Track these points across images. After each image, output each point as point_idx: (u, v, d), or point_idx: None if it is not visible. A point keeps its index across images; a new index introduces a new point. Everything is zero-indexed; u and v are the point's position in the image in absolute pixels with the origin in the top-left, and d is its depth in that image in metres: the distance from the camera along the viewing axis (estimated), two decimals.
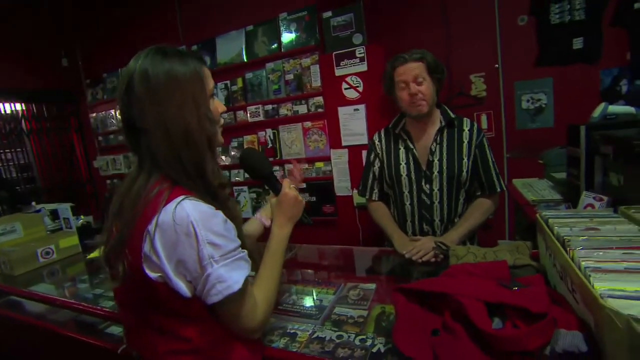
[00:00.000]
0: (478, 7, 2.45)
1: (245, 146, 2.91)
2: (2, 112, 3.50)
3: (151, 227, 0.59)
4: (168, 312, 0.64)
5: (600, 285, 0.57)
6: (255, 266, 0.75)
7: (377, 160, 1.45)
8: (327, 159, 2.58)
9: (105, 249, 0.68)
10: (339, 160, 2.49)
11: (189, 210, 0.59)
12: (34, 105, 3.65)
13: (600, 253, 0.66)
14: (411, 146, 1.36)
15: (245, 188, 2.98)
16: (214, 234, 0.60)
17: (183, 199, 0.61)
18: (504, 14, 2.40)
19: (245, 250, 0.68)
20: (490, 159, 1.34)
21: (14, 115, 3.58)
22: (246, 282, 0.65)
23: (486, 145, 1.34)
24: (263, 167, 0.90)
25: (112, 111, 3.58)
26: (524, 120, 2.50)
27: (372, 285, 1.21)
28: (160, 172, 0.64)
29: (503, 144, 2.54)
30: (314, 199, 2.69)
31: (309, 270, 1.53)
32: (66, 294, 1.42)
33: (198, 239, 0.59)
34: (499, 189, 1.33)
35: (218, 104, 0.74)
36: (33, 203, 2.18)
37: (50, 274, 1.67)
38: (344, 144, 2.44)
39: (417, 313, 0.82)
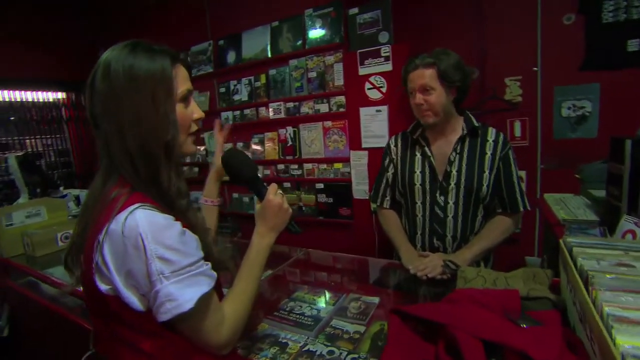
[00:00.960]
0: (518, 4, 2.26)
1: (265, 143, 2.90)
2: (45, 100, 3.73)
3: (101, 237, 0.56)
4: (125, 323, 0.60)
5: (623, 341, 0.47)
6: (231, 276, 0.71)
7: (391, 166, 1.36)
8: (346, 160, 2.51)
9: (66, 252, 0.67)
10: (358, 163, 2.41)
11: (139, 221, 0.55)
12: (73, 95, 3.86)
13: (630, 298, 0.56)
14: (429, 153, 1.27)
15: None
16: (165, 248, 0.56)
17: (136, 208, 0.56)
18: (548, 12, 2.20)
19: (208, 264, 0.63)
20: (514, 174, 1.22)
21: (55, 104, 3.81)
22: (204, 299, 0.60)
23: (512, 159, 1.22)
24: (247, 170, 0.81)
25: None
26: (563, 129, 2.29)
27: (375, 299, 1.15)
28: (116, 175, 0.61)
29: (537, 154, 2.34)
30: (331, 200, 2.63)
31: (312, 277, 1.48)
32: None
33: (147, 253, 0.54)
34: (522, 208, 1.22)
35: (194, 109, 0.69)
36: (61, 188, 2.29)
37: None
38: (364, 145, 2.36)
39: (409, 339, 0.75)
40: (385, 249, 2.13)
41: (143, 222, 0.55)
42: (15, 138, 3.48)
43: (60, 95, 3.82)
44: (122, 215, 0.56)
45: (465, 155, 1.23)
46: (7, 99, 3.38)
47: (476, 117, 1.36)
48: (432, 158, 1.27)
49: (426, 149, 1.28)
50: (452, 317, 0.68)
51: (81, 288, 0.66)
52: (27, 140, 3.58)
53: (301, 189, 2.80)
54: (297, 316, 1.10)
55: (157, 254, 0.55)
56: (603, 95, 2.14)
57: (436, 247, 1.28)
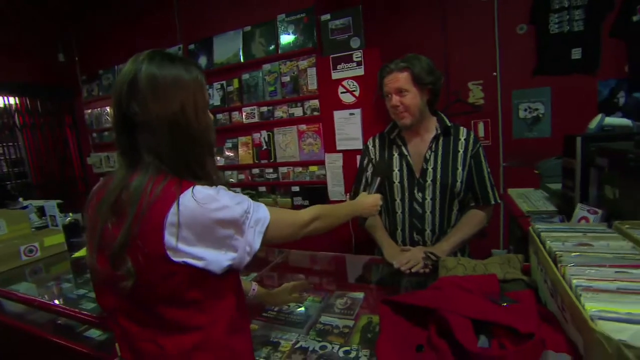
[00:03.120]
0: (477, 14, 2.44)
1: (239, 147, 2.89)
2: None
3: (172, 215, 0.60)
4: (181, 302, 0.65)
5: (591, 306, 0.54)
6: None
7: (370, 166, 1.42)
8: (321, 163, 2.55)
9: (99, 252, 0.66)
10: (333, 165, 2.46)
11: (204, 190, 0.64)
12: (27, 100, 3.61)
13: (593, 271, 0.64)
14: (405, 153, 1.34)
15: (238, 189, 2.95)
16: (234, 196, 0.67)
17: (194, 186, 0.64)
18: (504, 22, 2.39)
19: None
20: (485, 170, 1.31)
21: (7, 109, 3.53)
22: (272, 210, 0.74)
23: (482, 156, 1.31)
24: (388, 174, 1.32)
25: (108, 108, 3.54)
26: (521, 129, 2.49)
27: (360, 295, 1.19)
28: (160, 168, 0.65)
29: (500, 152, 2.52)
30: (307, 202, 2.66)
31: (297, 277, 1.50)
32: (47, 294, 1.38)
33: (227, 204, 0.64)
34: (493, 202, 1.31)
35: (209, 114, 0.78)
36: (20, 199, 2.13)
37: (33, 273, 1.63)
38: (338, 148, 2.41)
39: (402, 327, 0.79)
40: (363, 246, 2.19)
41: (208, 189, 0.64)
42: None
43: (13, 100, 3.55)
44: (187, 192, 0.62)
45: (440, 154, 1.30)
46: None
47: None
48: (409, 157, 1.33)
49: (403, 148, 1.34)
50: (440, 301, 0.73)
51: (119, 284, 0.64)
52: None
53: (277, 192, 2.81)
54: (287, 315, 1.12)
55: (233, 201, 0.65)
56: (554, 98, 2.35)
57: (416, 241, 1.34)
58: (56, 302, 1.30)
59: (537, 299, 0.78)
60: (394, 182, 1.34)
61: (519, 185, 2.10)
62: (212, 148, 0.75)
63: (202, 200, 0.62)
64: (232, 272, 0.69)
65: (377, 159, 1.39)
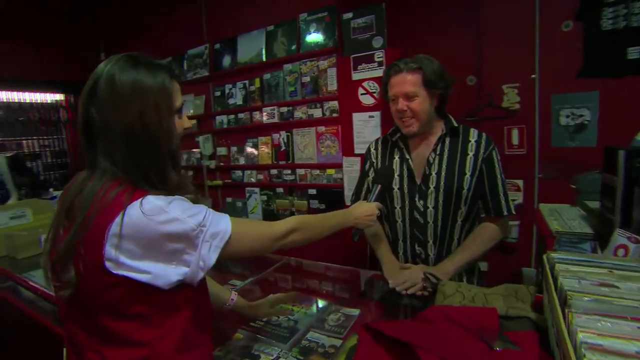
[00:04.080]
0: (516, 10, 2.22)
1: (259, 147, 2.88)
2: (43, 102, 3.74)
3: (115, 226, 0.57)
4: (124, 315, 0.61)
5: None
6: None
7: (371, 170, 1.32)
8: (338, 166, 2.47)
9: (50, 255, 0.65)
10: (350, 169, 2.36)
11: (155, 200, 0.60)
12: (72, 97, 3.87)
13: (608, 324, 0.51)
14: (407, 156, 1.22)
15: (257, 190, 2.95)
16: (187, 209, 0.63)
17: (146, 196, 0.61)
18: (546, 19, 2.15)
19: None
20: (499, 177, 1.16)
21: (53, 105, 3.82)
22: (236, 221, 0.69)
23: (496, 160, 1.16)
24: (390, 181, 1.20)
25: None
26: (561, 137, 2.23)
27: (356, 312, 1.10)
28: (117, 175, 0.63)
29: (535, 162, 2.28)
30: (323, 206, 2.59)
31: (294, 286, 1.43)
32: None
33: (178, 217, 0.60)
34: (506, 212, 1.16)
35: (185, 120, 0.74)
36: (50, 190, 2.27)
37: None
38: (356, 151, 2.32)
39: (378, 358, 0.70)
40: (373, 257, 2.08)
41: (160, 199, 0.60)
42: (12, 139, 3.48)
43: (59, 96, 3.83)
44: (136, 202, 0.59)
45: (445, 156, 1.17)
46: (4, 100, 3.38)
47: (473, 125, 1.30)
48: (410, 160, 1.22)
49: (404, 151, 1.23)
50: (421, 337, 0.63)
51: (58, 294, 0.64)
52: (24, 141, 3.58)
53: (294, 194, 2.77)
54: (273, 327, 1.06)
55: (185, 214, 0.61)
56: (602, 104, 2.08)
57: (418, 253, 1.22)
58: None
59: (542, 343, 0.65)
60: (393, 188, 1.23)
61: (556, 201, 1.88)
62: (176, 156, 0.70)
63: (149, 211, 0.58)
64: (187, 286, 0.65)
65: (379, 164, 1.29)
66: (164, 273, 0.60)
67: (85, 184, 0.64)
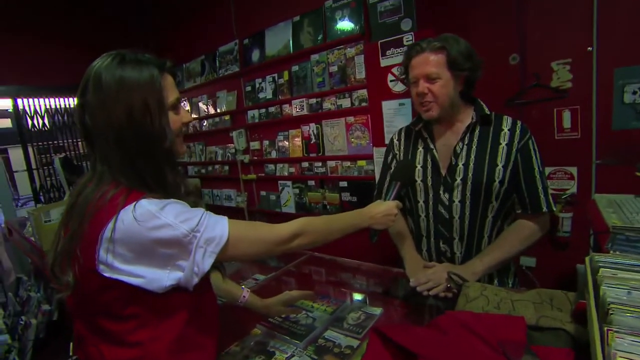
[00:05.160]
0: None
1: (290, 140, 2.88)
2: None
3: (107, 229, 0.57)
4: (120, 317, 0.62)
5: None
6: None
7: (394, 162, 1.24)
8: (369, 157, 2.39)
9: (52, 257, 0.67)
10: (382, 160, 2.26)
11: (148, 205, 0.59)
12: None
13: None
14: (431, 146, 1.13)
15: (289, 183, 2.95)
16: (181, 212, 0.61)
17: (141, 199, 0.60)
18: None
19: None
20: (537, 168, 1.03)
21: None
22: (233, 223, 0.66)
23: (533, 150, 1.04)
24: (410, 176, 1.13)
25: None
26: (625, 117, 1.94)
27: (378, 310, 1.05)
28: (113, 177, 0.63)
29: (592, 147, 2.02)
30: (354, 199, 2.53)
31: (316, 282, 1.41)
32: None
33: (170, 222, 0.59)
34: (545, 209, 1.03)
35: (183, 114, 0.72)
36: None
37: None
38: (387, 142, 2.21)
39: None
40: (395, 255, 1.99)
41: (152, 203, 0.59)
42: (60, 142, 3.71)
43: None
44: (129, 206, 0.58)
45: (474, 147, 1.06)
46: (63, 106, 3.70)
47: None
48: (434, 151, 1.12)
49: (428, 140, 1.14)
50: (428, 347, 0.57)
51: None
52: (66, 143, 3.78)
53: (325, 187, 2.73)
54: (291, 324, 1.05)
55: (178, 219, 0.59)
56: None
57: (443, 251, 1.14)
58: None
59: None
60: (416, 181, 1.14)
61: (616, 191, 1.65)
62: (171, 156, 0.69)
63: (140, 217, 0.57)
64: (184, 289, 0.64)
65: (402, 156, 1.20)
66: (157, 277, 0.60)
67: (86, 186, 0.65)
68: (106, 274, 0.58)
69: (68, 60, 3.28)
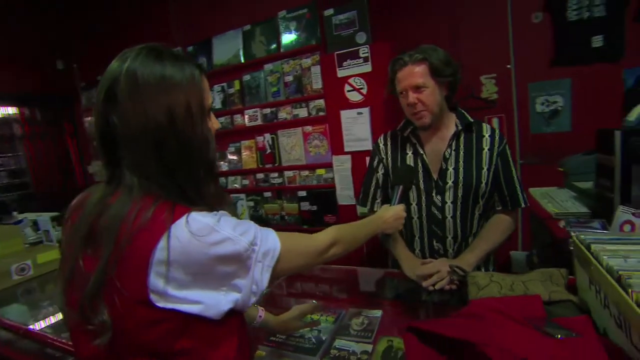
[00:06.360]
0: (489, 3, 2.30)
1: (242, 151, 2.78)
2: None
3: (160, 251, 0.49)
4: (165, 354, 0.53)
5: None
6: None
7: (381, 166, 1.29)
8: (328, 166, 2.43)
9: (67, 294, 0.55)
10: (342, 167, 2.34)
11: (202, 218, 0.52)
12: (27, 110, 3.55)
13: None
14: (421, 151, 1.21)
15: (242, 196, 2.84)
16: (237, 225, 0.55)
17: (190, 213, 0.52)
18: (517, 11, 2.24)
19: None
20: (513, 170, 1.19)
21: (6, 119, 3.48)
22: (282, 235, 0.63)
23: (509, 154, 1.19)
24: (411, 180, 1.17)
25: None
26: (538, 124, 2.34)
27: (378, 313, 1.06)
28: (146, 190, 0.54)
29: (516, 149, 2.37)
30: (315, 207, 2.54)
31: (303, 293, 1.37)
32: (39, 317, 1.28)
33: (230, 236, 0.53)
34: (523, 204, 1.18)
35: (214, 121, 0.65)
36: (14, 213, 2.05)
37: (26, 293, 1.53)
38: (346, 149, 2.29)
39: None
40: (375, 256, 2.06)
41: (206, 216, 0.53)
42: None
43: (12, 110, 3.49)
44: (180, 221, 0.51)
45: (461, 152, 1.18)
46: None
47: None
48: (424, 156, 1.21)
49: (418, 146, 1.22)
50: (480, 334, 0.61)
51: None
52: None
53: (283, 197, 2.70)
54: (297, 340, 1.00)
55: (237, 232, 0.54)
56: (575, 90, 2.20)
57: (436, 249, 1.22)
58: (45, 329, 1.19)
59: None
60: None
61: (538, 185, 1.96)
62: (213, 165, 0.62)
63: (198, 232, 0.50)
64: (234, 314, 0.57)
65: (390, 160, 1.26)
66: (215, 302, 0.52)
67: (108, 202, 0.53)
68: (159, 304, 0.49)
69: None
